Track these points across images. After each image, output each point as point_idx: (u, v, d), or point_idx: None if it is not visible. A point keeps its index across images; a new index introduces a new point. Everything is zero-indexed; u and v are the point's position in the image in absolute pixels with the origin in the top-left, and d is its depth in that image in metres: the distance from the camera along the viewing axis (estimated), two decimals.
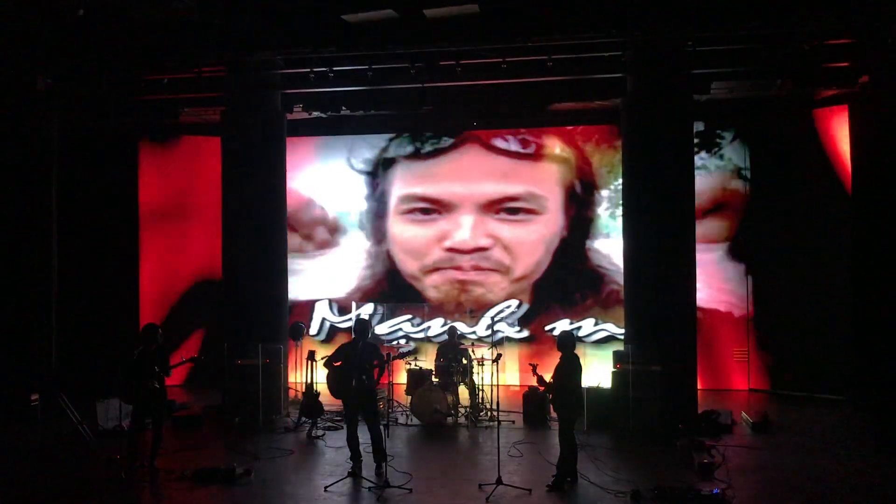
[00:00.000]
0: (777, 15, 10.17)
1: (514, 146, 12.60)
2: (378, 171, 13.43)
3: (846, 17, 10.06)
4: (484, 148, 12.81)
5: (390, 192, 13.40)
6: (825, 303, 12.92)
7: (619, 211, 12.14)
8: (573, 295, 12.76)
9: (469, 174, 13.12)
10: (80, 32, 11.01)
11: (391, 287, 13.65)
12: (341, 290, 13.49)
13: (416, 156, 13.07)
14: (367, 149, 13.37)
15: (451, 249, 13.03)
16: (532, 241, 12.82)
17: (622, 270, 11.20)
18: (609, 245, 12.88)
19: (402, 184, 13.29)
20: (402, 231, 13.38)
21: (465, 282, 12.96)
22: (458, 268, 12.92)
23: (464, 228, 12.92)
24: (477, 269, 12.78)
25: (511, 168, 12.86)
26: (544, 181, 12.75)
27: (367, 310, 14.65)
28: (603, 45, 10.92)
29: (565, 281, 12.91)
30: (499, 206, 12.98)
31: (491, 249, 12.86)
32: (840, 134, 12.74)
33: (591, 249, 12.82)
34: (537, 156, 12.67)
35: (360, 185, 13.63)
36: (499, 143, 12.63)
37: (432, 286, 13.17)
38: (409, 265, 13.34)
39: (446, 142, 12.99)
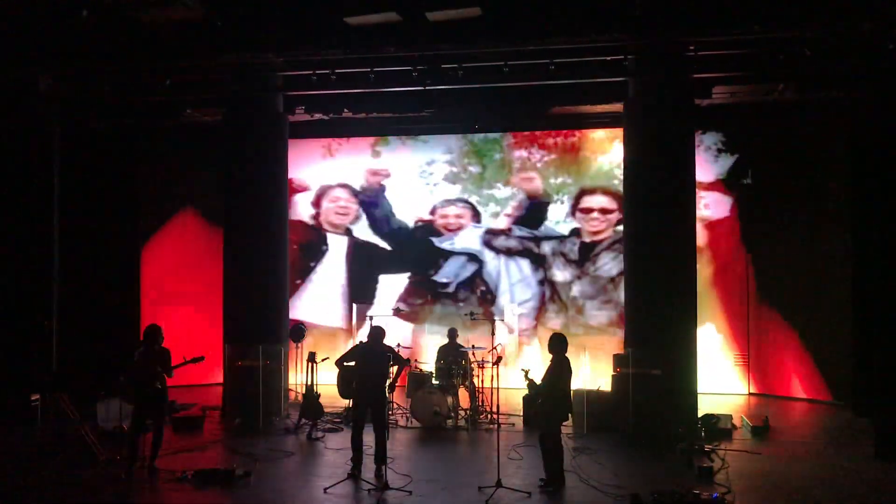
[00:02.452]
0: (778, 19, 10.18)
1: None
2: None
3: (847, 21, 10.07)
4: None
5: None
6: (825, 307, 12.93)
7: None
8: None
9: None
10: (82, 33, 11.00)
11: None
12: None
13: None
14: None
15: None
16: None
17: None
18: None
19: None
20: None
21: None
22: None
23: None
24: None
25: None
26: None
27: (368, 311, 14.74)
28: (605, 48, 10.91)
29: None
30: None
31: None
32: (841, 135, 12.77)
33: None
34: None
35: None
36: None
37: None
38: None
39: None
